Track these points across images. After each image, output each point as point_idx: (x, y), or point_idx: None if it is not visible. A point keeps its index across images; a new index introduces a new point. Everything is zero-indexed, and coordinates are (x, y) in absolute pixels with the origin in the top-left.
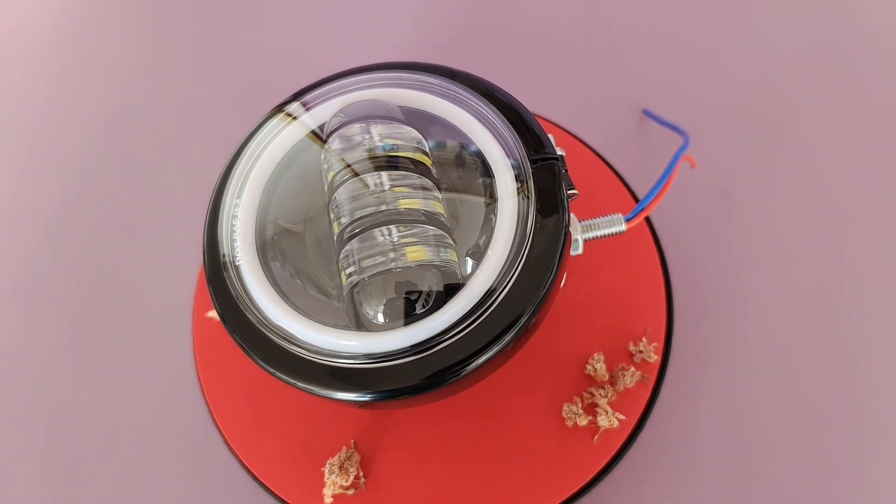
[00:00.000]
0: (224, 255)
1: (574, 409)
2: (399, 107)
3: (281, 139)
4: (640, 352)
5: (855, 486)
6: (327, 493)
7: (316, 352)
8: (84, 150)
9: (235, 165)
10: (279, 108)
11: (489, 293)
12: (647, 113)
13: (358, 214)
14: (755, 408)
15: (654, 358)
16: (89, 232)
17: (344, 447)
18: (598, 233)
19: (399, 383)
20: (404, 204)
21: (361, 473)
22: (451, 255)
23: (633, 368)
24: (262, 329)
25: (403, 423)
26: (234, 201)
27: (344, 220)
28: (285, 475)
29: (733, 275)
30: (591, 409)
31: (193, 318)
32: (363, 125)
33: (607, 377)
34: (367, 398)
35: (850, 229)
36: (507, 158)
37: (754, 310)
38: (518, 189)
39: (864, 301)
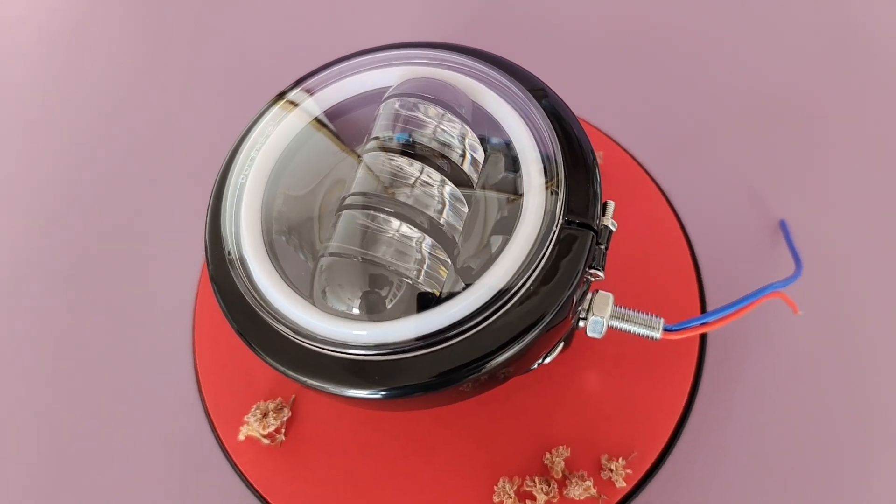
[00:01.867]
0: (229, 252)
1: (508, 488)
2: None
3: (284, 128)
4: (611, 470)
5: None
6: (242, 430)
7: (332, 343)
8: (81, 145)
9: (236, 158)
10: (280, 96)
11: (503, 291)
12: (783, 227)
13: (362, 189)
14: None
15: (622, 485)
16: (87, 231)
17: (280, 398)
18: (629, 328)
19: (410, 379)
20: (415, 202)
21: (284, 429)
22: (439, 272)
23: (590, 483)
24: (274, 324)
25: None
26: (237, 194)
27: (350, 191)
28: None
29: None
30: (525, 498)
31: (194, 318)
32: (418, 104)
33: (560, 476)
34: (381, 395)
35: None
36: (536, 150)
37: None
38: (547, 184)
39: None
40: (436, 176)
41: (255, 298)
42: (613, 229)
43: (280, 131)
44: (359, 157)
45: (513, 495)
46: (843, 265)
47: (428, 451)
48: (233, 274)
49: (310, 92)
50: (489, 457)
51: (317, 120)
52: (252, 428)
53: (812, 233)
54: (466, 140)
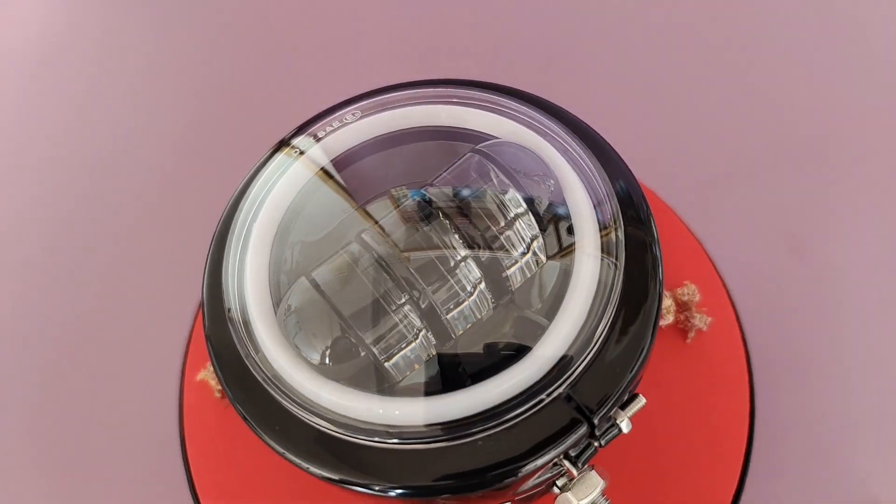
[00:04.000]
0: (230, 309)
1: None
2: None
3: (289, 178)
4: None
5: None
6: None
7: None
8: (77, 188)
9: (238, 209)
10: (285, 143)
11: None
12: None
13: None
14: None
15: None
16: (73, 281)
17: None
18: None
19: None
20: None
21: None
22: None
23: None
24: (278, 396)
25: None
26: (241, 244)
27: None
28: None
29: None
30: None
31: (183, 381)
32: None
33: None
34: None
35: None
36: (591, 205)
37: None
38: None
39: None
40: (474, 274)
41: (255, 361)
42: (625, 431)
43: (286, 181)
44: (396, 203)
45: None
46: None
47: None
48: (232, 334)
49: (317, 138)
50: None
51: (324, 171)
52: None
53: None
54: (533, 246)
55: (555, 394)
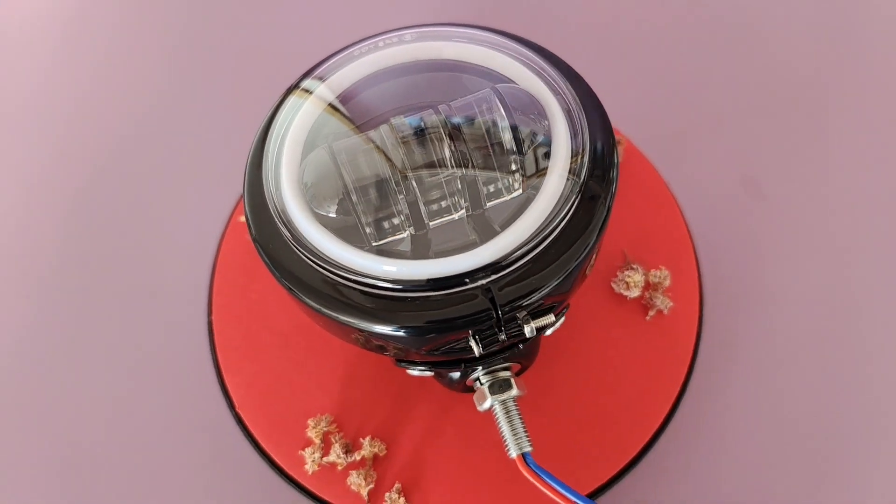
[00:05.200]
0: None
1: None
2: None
3: (302, 115)
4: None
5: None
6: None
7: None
8: (94, 142)
9: (268, 138)
10: (294, 87)
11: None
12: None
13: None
14: (783, 400)
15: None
16: (99, 223)
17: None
18: (502, 427)
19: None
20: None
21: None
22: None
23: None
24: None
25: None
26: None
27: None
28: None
29: (762, 267)
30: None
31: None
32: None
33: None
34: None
35: (878, 222)
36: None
37: (782, 302)
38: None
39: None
40: (456, 185)
41: (276, 206)
42: (527, 335)
43: (302, 116)
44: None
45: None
46: (836, 252)
47: None
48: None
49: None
50: None
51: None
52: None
53: (806, 222)
54: (513, 173)
55: (477, 283)
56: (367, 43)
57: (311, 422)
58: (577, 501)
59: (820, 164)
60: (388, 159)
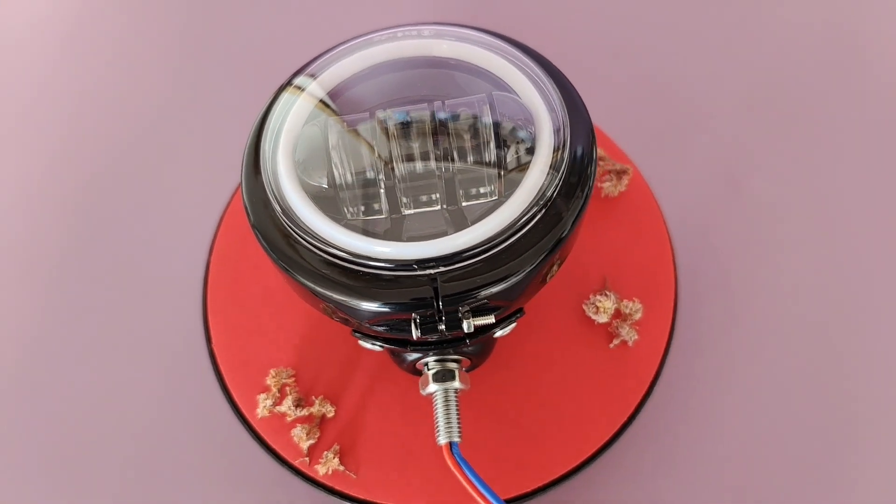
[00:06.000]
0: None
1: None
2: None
3: (295, 111)
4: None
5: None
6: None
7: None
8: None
9: (265, 129)
10: (287, 84)
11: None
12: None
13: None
14: (755, 395)
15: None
16: (96, 222)
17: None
18: (438, 411)
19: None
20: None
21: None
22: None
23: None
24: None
25: None
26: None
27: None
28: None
29: (737, 262)
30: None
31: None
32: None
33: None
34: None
35: (855, 219)
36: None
37: (757, 297)
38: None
39: (869, 291)
40: (433, 180)
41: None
42: (465, 330)
43: (296, 112)
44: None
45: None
46: (818, 248)
47: None
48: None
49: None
50: None
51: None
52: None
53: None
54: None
55: (425, 271)
56: (359, 40)
57: (272, 371)
58: (491, 499)
59: (798, 157)
60: (372, 147)
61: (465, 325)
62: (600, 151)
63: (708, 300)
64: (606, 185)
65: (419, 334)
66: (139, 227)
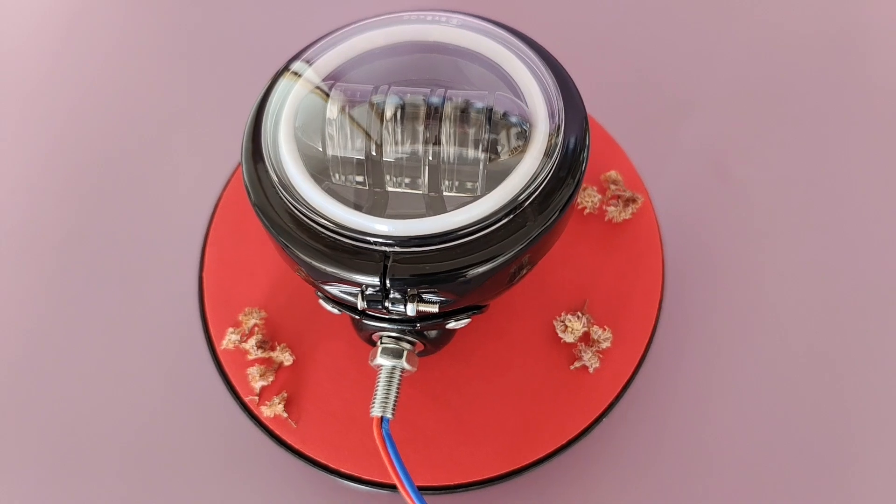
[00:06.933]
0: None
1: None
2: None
3: (293, 95)
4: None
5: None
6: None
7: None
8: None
9: (264, 114)
10: (284, 70)
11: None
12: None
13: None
14: (737, 377)
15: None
16: (82, 215)
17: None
18: (379, 385)
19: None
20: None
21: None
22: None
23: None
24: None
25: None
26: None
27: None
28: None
29: (724, 247)
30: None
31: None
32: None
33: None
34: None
35: (844, 209)
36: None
37: (745, 284)
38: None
39: (859, 281)
40: (420, 164)
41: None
42: (408, 313)
43: (294, 96)
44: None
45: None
46: (808, 241)
47: None
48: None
49: (309, 62)
50: None
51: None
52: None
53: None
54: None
55: (378, 247)
56: (356, 24)
57: (247, 309)
58: (404, 480)
59: (785, 145)
60: (362, 127)
61: (408, 308)
62: (614, 175)
63: (689, 345)
64: (612, 209)
65: (363, 305)
66: (139, 198)
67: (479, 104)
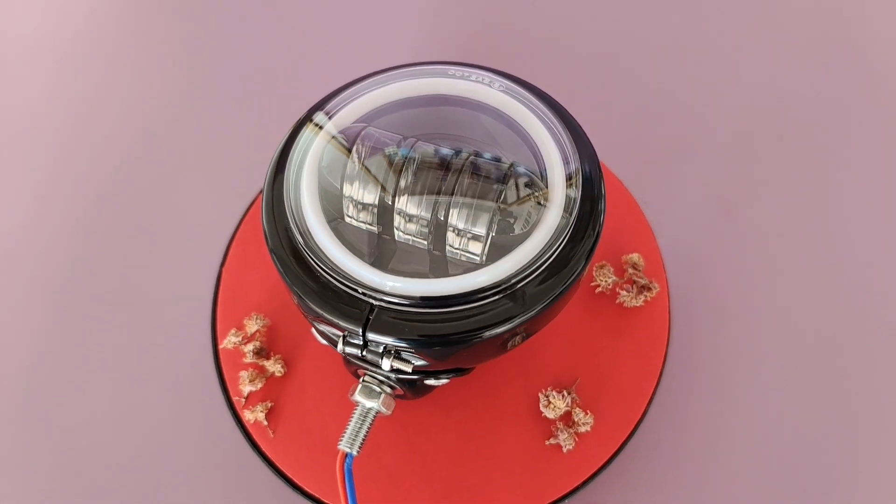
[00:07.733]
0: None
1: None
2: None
3: (315, 146)
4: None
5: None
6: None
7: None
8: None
9: (287, 163)
10: (305, 120)
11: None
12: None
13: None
14: (747, 418)
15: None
16: (107, 236)
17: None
18: (351, 422)
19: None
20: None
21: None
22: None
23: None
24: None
25: None
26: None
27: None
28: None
29: (730, 286)
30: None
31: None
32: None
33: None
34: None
35: (849, 240)
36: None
37: (750, 321)
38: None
39: (863, 313)
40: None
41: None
42: (383, 367)
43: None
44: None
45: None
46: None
47: None
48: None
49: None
50: None
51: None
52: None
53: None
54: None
55: (366, 298)
56: (372, 79)
57: (253, 314)
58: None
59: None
60: (375, 177)
61: (383, 363)
62: (635, 258)
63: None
64: (624, 294)
65: (342, 349)
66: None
67: (496, 181)
